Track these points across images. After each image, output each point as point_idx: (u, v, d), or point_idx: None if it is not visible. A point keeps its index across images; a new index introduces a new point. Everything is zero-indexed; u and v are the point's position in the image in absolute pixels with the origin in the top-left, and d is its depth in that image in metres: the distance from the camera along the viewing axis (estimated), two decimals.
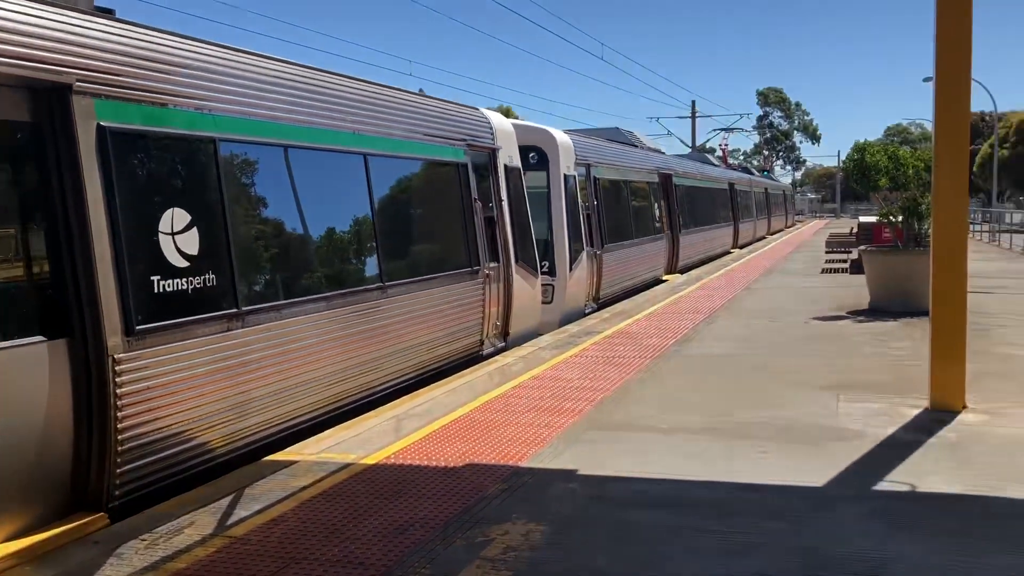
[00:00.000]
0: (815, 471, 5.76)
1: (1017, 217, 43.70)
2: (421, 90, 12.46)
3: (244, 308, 6.54)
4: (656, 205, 21.45)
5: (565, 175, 14.47)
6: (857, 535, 4.68)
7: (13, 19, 5.07)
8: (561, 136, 14.94)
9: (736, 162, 68.03)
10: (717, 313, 13.57)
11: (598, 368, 9.38)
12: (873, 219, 19.18)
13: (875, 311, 13.26)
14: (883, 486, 5.48)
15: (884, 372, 8.84)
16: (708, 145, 73.22)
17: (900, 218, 13.97)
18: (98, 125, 5.44)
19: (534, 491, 5.48)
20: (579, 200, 15.13)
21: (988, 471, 5.69)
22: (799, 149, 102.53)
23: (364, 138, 8.50)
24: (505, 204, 11.54)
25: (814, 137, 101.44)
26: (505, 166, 11.73)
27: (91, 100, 5.44)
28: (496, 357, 10.42)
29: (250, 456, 6.55)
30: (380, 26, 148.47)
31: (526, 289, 11.99)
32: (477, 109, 11.84)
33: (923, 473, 5.69)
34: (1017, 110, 50.83)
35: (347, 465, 6.11)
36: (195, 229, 6.17)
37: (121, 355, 5.43)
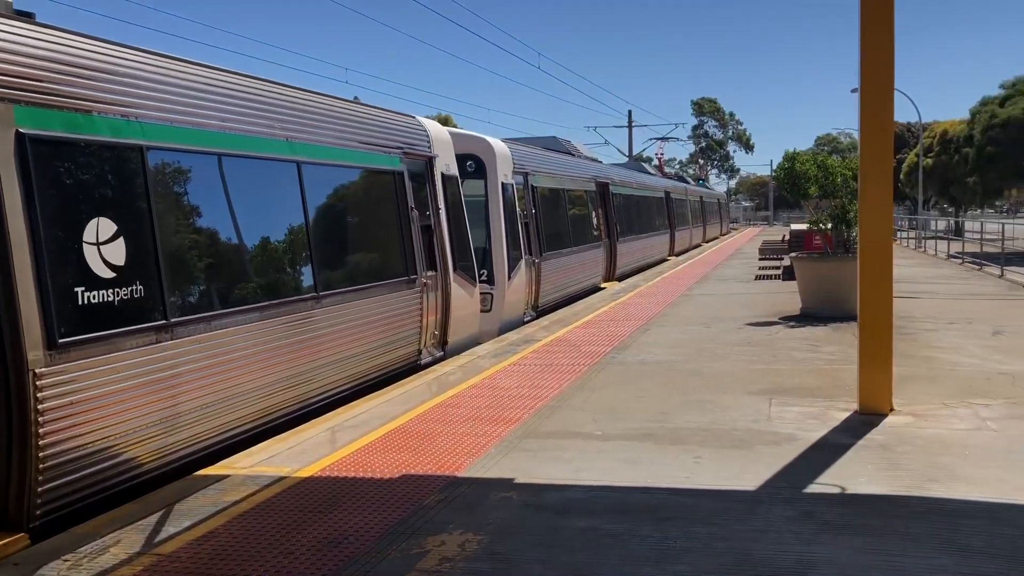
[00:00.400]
0: (748, 475, 5.85)
1: (942, 224, 45.13)
2: (356, 98, 12.33)
3: (173, 319, 6.39)
4: (594, 213, 21.57)
5: (503, 183, 14.50)
6: (787, 537, 4.76)
7: None
8: (499, 145, 14.98)
9: (672, 171, 69.06)
10: (653, 320, 13.72)
11: (536, 376, 9.40)
12: (804, 227, 19.60)
13: (806, 316, 13.54)
14: (813, 488, 5.58)
15: (815, 376, 9.03)
16: (644, 154, 74.11)
17: (829, 225, 14.30)
18: (17, 132, 5.29)
19: (471, 501, 5.46)
20: (517, 208, 15.16)
21: (913, 472, 5.84)
22: (733, 158, 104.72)
23: (298, 146, 8.42)
24: (443, 212, 11.52)
25: (747, 146, 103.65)
26: (442, 174, 11.65)
27: (10, 106, 5.28)
28: (435, 366, 10.37)
29: (181, 471, 6.42)
30: (314, 32, 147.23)
31: (464, 298, 11.94)
32: (413, 117, 11.79)
33: (852, 475, 5.82)
34: (941, 120, 52.51)
35: (280, 478, 6.01)
36: (122, 239, 6.02)
37: (42, 369, 5.26)
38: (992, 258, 23.64)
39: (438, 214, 11.42)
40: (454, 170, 12.27)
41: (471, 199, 13.39)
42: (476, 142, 14.46)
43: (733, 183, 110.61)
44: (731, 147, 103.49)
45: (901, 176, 55.24)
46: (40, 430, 5.23)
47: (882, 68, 7.42)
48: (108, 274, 5.86)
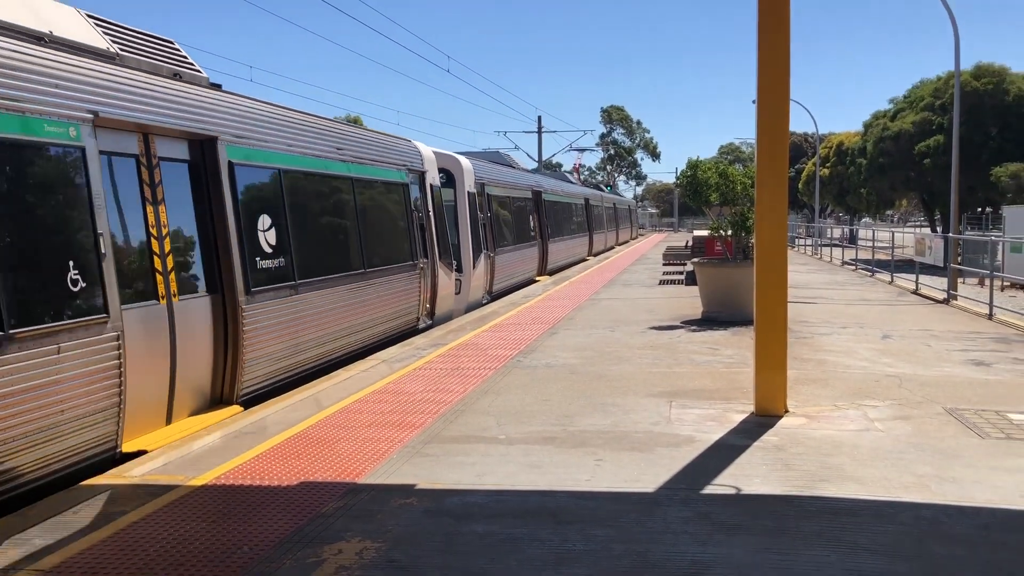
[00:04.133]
0: (647, 477, 5.93)
1: (837, 232, 46.87)
2: (358, 119, 15.64)
3: (300, 281, 9.78)
4: (531, 217, 25.67)
5: (468, 192, 18.24)
6: (684, 538, 4.84)
7: None
8: (465, 161, 18.71)
9: (583, 178, 69.88)
10: (560, 324, 13.82)
11: (442, 380, 9.35)
12: (706, 233, 20.06)
13: (707, 320, 13.86)
14: (710, 489, 5.70)
15: (714, 379, 9.24)
16: (555, 160, 74.82)
17: (729, 232, 14.67)
18: (229, 162, 7.25)
19: (370, 507, 5.38)
20: (478, 212, 18.85)
21: (805, 472, 6.02)
22: (640, 165, 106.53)
23: (352, 166, 11.85)
24: (431, 214, 14.80)
25: (654, 154, 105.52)
26: (430, 185, 15.06)
27: (223, 144, 7.29)
28: (339, 371, 10.24)
29: (300, 380, 9.61)
30: (219, 26, 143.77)
31: (446, 281, 15.37)
32: (410, 141, 15.12)
33: (747, 476, 5.96)
34: (837, 132, 54.59)
35: (173, 487, 5.82)
36: (273, 228, 9.49)
37: (244, 306, 8.28)
38: (883, 265, 24.66)
39: (428, 216, 14.67)
40: (437, 181, 15.75)
41: (445, 204, 16.49)
42: (449, 159, 18.07)
43: (640, 190, 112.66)
44: (639, 154, 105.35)
45: (799, 185, 57.23)
46: (243, 341, 8.54)
47: (777, 79, 7.64)
48: (268, 250, 9.21)
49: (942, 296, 17.22)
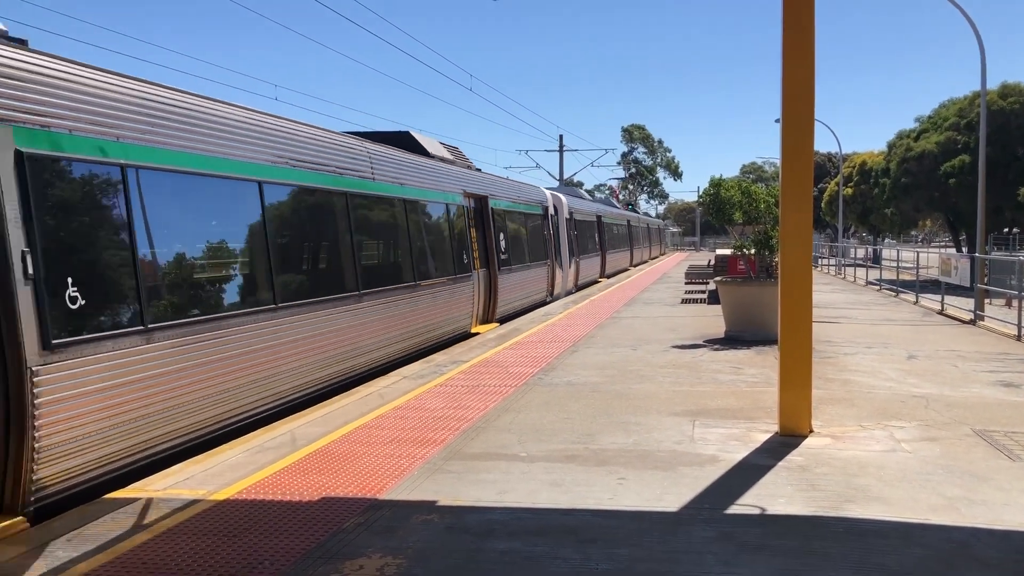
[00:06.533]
0: (670, 496, 5.87)
1: (861, 252, 46.50)
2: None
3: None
4: (596, 235, 33.47)
5: (565, 218, 25.90)
6: (707, 558, 4.78)
7: None
8: (564, 198, 26.43)
9: (601, 196, 70.14)
10: (580, 342, 13.78)
11: (463, 397, 9.33)
12: (729, 252, 19.96)
13: (730, 339, 13.76)
14: (734, 509, 5.63)
15: (737, 398, 9.16)
16: (576, 179, 75.03)
17: (753, 251, 14.58)
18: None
19: (391, 523, 5.36)
20: (570, 232, 26.69)
21: (830, 492, 5.94)
22: (662, 184, 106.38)
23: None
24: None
25: (676, 173, 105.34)
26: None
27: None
28: (359, 387, 10.25)
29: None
30: (244, 48, 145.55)
31: (559, 273, 24.02)
32: (540, 188, 22.86)
33: (771, 496, 5.89)
34: (860, 151, 54.26)
35: (195, 501, 5.83)
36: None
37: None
38: (908, 285, 24.42)
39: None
40: (552, 212, 23.31)
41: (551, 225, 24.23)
42: (555, 197, 25.49)
43: (662, 208, 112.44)
44: (660, 173, 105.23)
45: (822, 205, 56.88)
46: None
47: (802, 99, 7.61)
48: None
49: (969, 316, 17.02)
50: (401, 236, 12.94)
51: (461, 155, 18.11)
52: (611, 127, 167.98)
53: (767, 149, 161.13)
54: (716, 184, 14.84)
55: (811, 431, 7.61)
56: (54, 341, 5.93)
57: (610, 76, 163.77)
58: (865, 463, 6.64)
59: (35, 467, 5.82)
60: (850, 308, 19.81)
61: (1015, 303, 15.67)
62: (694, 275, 27.83)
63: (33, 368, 5.75)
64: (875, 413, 8.39)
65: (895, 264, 28.96)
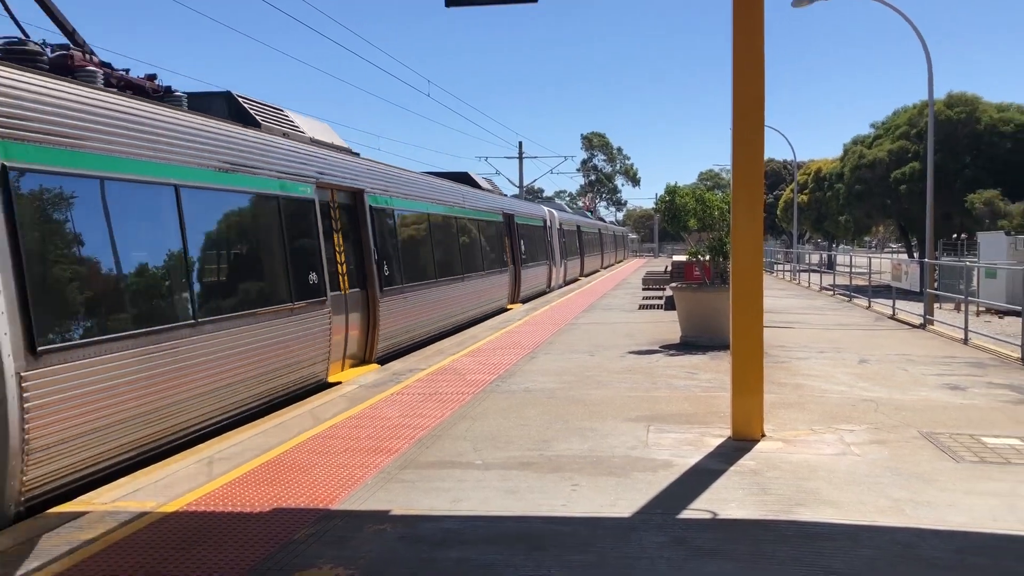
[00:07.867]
0: (623, 502, 5.90)
1: (815, 258, 47.18)
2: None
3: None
4: (576, 241, 39.74)
5: (556, 228, 32.78)
6: (660, 563, 4.81)
7: None
8: (554, 212, 33.91)
9: (562, 203, 70.75)
10: (539, 348, 13.80)
11: (419, 405, 9.29)
12: (685, 258, 20.15)
13: (686, 345, 13.88)
14: (686, 514, 5.67)
15: (692, 403, 9.23)
16: (536, 186, 75.35)
17: (707, 257, 14.73)
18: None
19: (344, 534, 5.32)
20: (560, 239, 33.17)
21: (781, 496, 6.01)
22: (621, 191, 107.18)
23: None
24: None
25: (634, 180, 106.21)
26: (548, 225, 30.76)
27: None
28: (312, 397, 10.16)
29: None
30: (195, 52, 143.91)
31: (555, 270, 31.40)
32: (541, 207, 32.14)
33: (723, 500, 5.94)
34: (816, 159, 55.11)
35: (143, 514, 5.73)
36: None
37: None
38: (861, 290, 24.81)
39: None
40: (549, 223, 30.73)
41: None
42: (548, 212, 32.52)
43: (620, 215, 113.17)
44: (619, 180, 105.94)
45: (778, 211, 57.66)
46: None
47: (752, 105, 7.70)
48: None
49: (919, 321, 17.34)
50: (469, 244, 19.82)
51: (495, 186, 27.03)
52: (571, 134, 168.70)
53: (724, 157, 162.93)
54: (671, 191, 14.98)
55: (763, 435, 7.69)
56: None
57: (571, 84, 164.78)
58: (815, 467, 6.73)
59: None
60: (804, 313, 20.07)
61: (963, 307, 16.01)
62: (651, 281, 28.04)
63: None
64: (826, 417, 8.51)
65: (848, 270, 29.42)
